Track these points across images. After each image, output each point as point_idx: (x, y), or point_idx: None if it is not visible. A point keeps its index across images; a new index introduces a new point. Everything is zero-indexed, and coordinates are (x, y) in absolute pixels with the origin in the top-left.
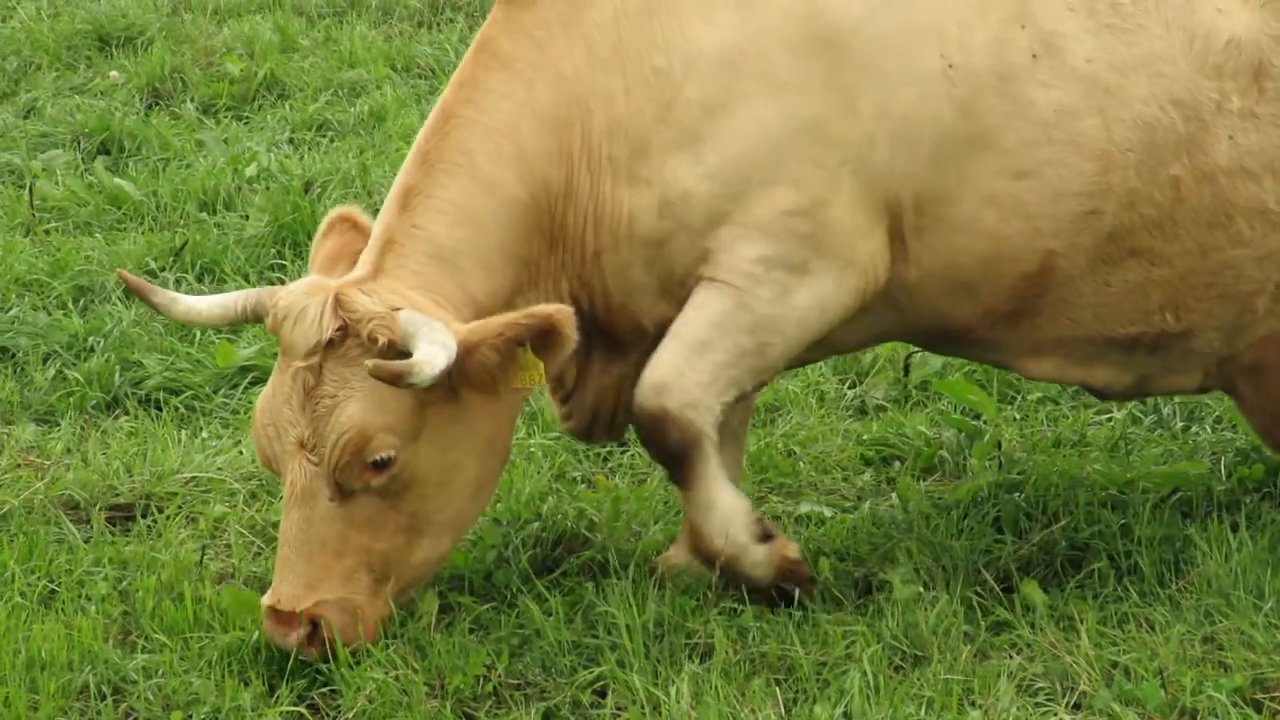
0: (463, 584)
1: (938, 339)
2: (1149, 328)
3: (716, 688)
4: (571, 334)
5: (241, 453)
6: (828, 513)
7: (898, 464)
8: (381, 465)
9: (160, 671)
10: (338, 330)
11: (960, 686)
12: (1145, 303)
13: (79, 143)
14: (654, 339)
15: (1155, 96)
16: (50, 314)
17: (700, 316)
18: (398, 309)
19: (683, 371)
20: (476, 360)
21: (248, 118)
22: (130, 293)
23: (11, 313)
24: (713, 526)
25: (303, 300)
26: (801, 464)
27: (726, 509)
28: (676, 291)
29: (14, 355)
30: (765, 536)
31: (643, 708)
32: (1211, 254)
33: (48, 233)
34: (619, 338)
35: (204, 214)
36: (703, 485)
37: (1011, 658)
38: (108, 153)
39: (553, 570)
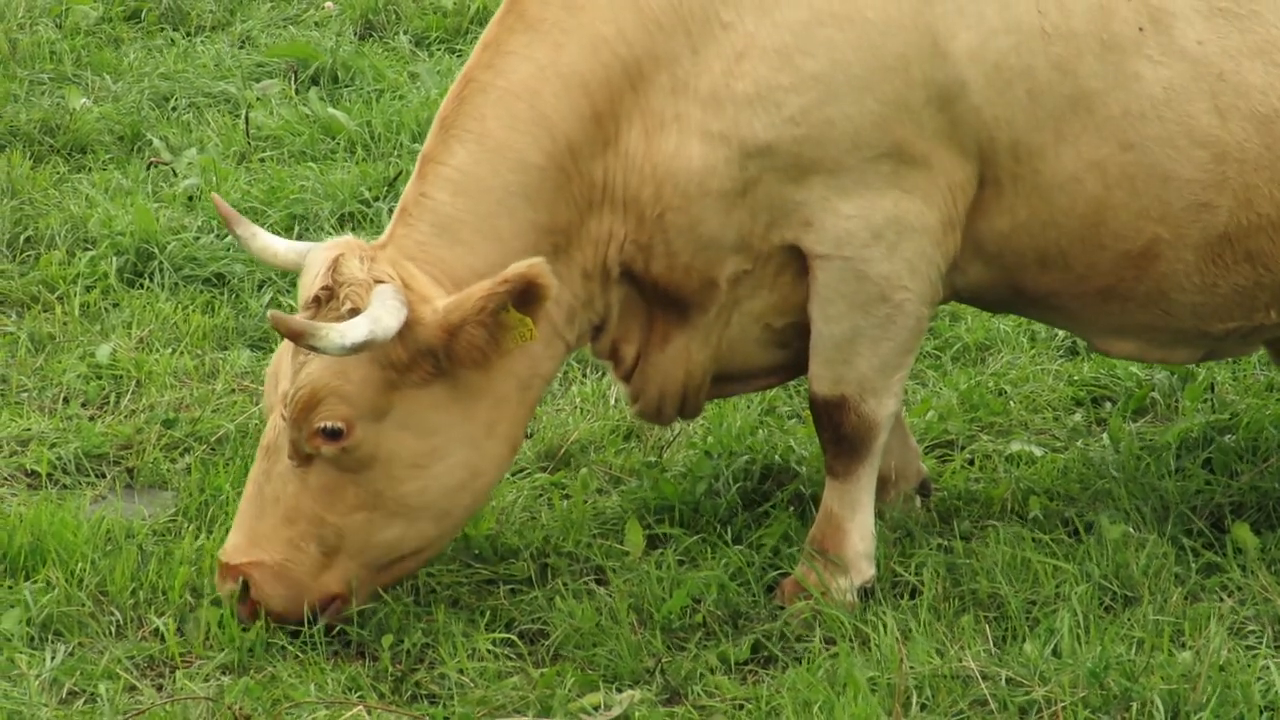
0: (672, 515)
1: (1020, 298)
2: (1247, 323)
3: (925, 624)
4: (551, 282)
5: None
6: (1038, 452)
7: (1109, 404)
8: (331, 434)
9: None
10: (323, 290)
11: (1171, 628)
12: (1250, 304)
13: (294, 73)
14: (726, 298)
15: (1273, 87)
16: None
17: (835, 309)
18: (381, 281)
19: (850, 361)
20: (464, 340)
21: (460, 50)
22: (342, 221)
23: (227, 240)
24: (857, 524)
25: (316, 256)
26: (1012, 403)
27: (870, 521)
28: (758, 245)
29: (229, 282)
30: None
31: (851, 642)
32: None
33: (262, 161)
34: (685, 299)
35: (417, 145)
36: (859, 485)
37: (1222, 600)
38: (321, 83)
39: (761, 503)
